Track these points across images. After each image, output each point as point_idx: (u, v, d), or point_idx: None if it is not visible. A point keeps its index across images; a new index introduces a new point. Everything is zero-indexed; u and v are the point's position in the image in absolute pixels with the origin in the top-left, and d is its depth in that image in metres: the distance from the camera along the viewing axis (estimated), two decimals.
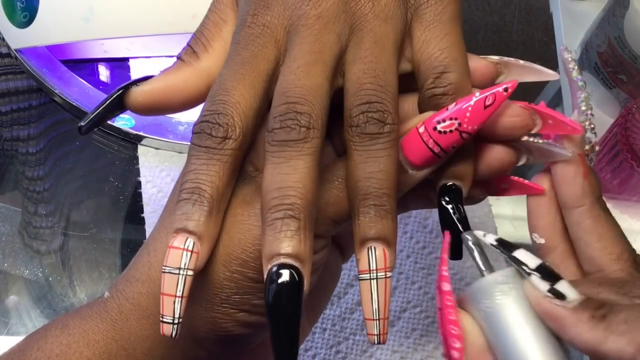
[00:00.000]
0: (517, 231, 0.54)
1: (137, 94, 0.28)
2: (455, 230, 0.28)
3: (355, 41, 0.27)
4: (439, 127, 0.26)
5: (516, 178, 0.31)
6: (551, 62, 0.64)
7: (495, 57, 0.30)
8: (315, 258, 0.27)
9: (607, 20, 0.56)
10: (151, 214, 0.51)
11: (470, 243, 0.27)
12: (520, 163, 0.30)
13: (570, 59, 0.31)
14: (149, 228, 0.50)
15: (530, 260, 0.25)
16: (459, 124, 0.26)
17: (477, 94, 0.26)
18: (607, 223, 0.29)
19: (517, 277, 0.25)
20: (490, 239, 0.26)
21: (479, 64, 0.29)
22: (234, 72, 0.26)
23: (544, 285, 0.24)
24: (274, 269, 0.23)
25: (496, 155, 0.28)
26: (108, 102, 0.28)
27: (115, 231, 0.51)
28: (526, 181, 0.31)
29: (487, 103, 0.26)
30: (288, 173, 0.24)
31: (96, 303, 0.30)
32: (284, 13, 0.27)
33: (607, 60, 0.56)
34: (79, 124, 0.28)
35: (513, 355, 0.24)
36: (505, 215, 0.55)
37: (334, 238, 0.33)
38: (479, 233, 0.27)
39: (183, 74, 0.28)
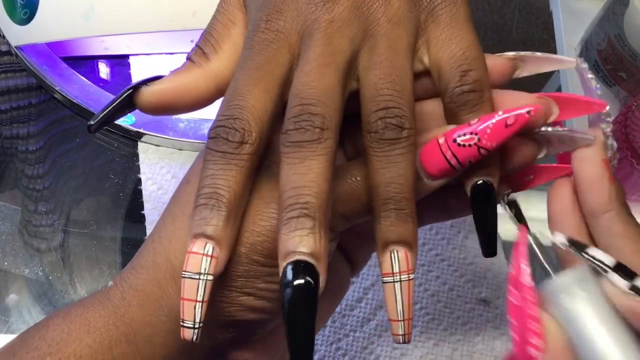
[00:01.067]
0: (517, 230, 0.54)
1: (147, 94, 0.28)
2: (490, 228, 0.28)
3: (370, 46, 0.27)
4: (458, 139, 0.27)
5: (541, 165, 0.30)
6: None
7: (511, 53, 0.30)
8: None
9: (607, 18, 0.56)
10: (151, 211, 0.51)
11: (533, 244, 0.27)
12: (541, 156, 0.30)
13: (587, 69, 0.30)
14: (149, 225, 0.50)
15: (607, 259, 0.25)
16: (479, 139, 0.26)
17: (500, 112, 0.26)
18: (637, 226, 0.29)
19: (592, 275, 0.25)
20: (560, 239, 0.26)
21: (496, 62, 0.29)
22: (248, 76, 0.26)
23: (624, 283, 0.24)
24: (290, 266, 0.24)
25: (517, 149, 0.29)
26: (118, 101, 0.28)
27: (116, 228, 0.51)
28: (552, 164, 0.30)
29: (509, 123, 0.26)
30: (303, 173, 0.24)
31: (99, 292, 0.30)
32: (297, 18, 0.27)
33: (607, 58, 0.56)
34: (88, 123, 0.28)
35: (595, 354, 0.24)
36: (505, 214, 0.55)
37: (345, 250, 0.33)
38: (545, 232, 0.27)
39: (193, 75, 0.28)
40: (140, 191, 0.51)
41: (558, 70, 0.63)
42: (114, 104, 0.28)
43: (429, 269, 0.50)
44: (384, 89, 0.26)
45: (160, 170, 0.52)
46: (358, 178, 0.27)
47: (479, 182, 0.28)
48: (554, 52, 0.64)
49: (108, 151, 0.54)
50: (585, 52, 0.60)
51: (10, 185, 0.53)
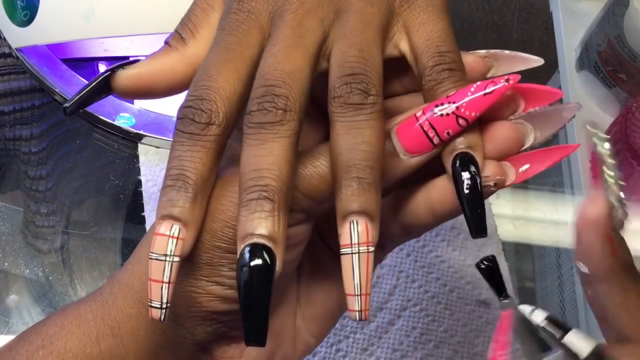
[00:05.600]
0: (517, 230, 0.55)
1: (123, 77, 0.28)
2: (475, 202, 0.26)
3: (340, 22, 0.27)
4: (436, 109, 0.26)
5: (535, 150, 0.28)
6: (551, 61, 0.64)
7: (482, 52, 0.30)
8: (291, 232, 0.27)
9: (607, 19, 0.56)
10: (151, 213, 0.51)
11: (518, 323, 0.25)
12: (530, 141, 0.28)
13: (604, 154, 0.29)
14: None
15: (584, 345, 0.24)
16: (457, 108, 0.26)
17: (478, 82, 0.26)
18: (637, 296, 0.28)
19: None
20: (538, 318, 0.25)
21: (469, 59, 0.29)
22: (218, 57, 0.26)
23: None
24: (247, 249, 0.24)
25: (501, 132, 0.27)
26: (94, 84, 0.28)
27: (116, 230, 0.51)
28: (546, 148, 0.28)
29: (487, 90, 0.26)
30: (263, 155, 0.24)
31: (95, 290, 0.30)
32: None
33: (607, 59, 0.56)
34: (63, 105, 0.28)
35: None
36: (505, 215, 0.55)
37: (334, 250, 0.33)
38: (525, 309, 0.25)
39: (170, 60, 0.28)
40: (141, 193, 0.52)
41: (558, 70, 0.63)
42: (89, 87, 0.28)
43: (429, 271, 0.50)
44: (352, 56, 0.26)
45: (161, 172, 0.52)
46: (321, 156, 0.26)
47: (458, 154, 0.26)
48: (554, 53, 0.64)
49: (108, 153, 0.54)
50: (585, 53, 0.60)
51: (11, 186, 0.53)
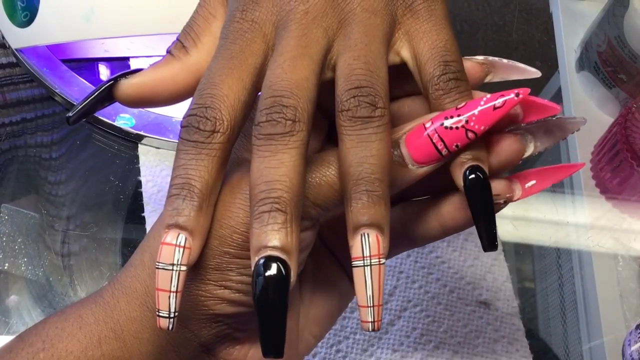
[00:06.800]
0: (517, 231, 0.55)
1: (126, 86, 0.28)
2: (489, 215, 0.27)
3: (345, 33, 0.27)
4: (445, 122, 0.26)
5: (542, 167, 0.29)
6: (551, 61, 0.64)
7: (480, 57, 0.30)
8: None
9: (607, 19, 0.56)
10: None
11: None
12: (530, 151, 0.29)
13: None
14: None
15: None
16: (466, 122, 0.26)
17: (488, 95, 0.26)
18: None
19: None
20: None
21: (465, 64, 0.29)
22: (222, 66, 0.27)
23: None
24: (261, 261, 0.24)
25: (502, 143, 0.28)
26: (97, 93, 0.29)
27: (116, 230, 0.51)
28: (554, 165, 0.29)
29: (497, 105, 0.26)
30: (275, 167, 0.24)
31: (95, 291, 0.30)
32: (273, 9, 0.28)
33: (607, 59, 0.56)
34: (67, 115, 0.29)
35: None
36: (505, 215, 0.55)
37: (343, 264, 0.33)
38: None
39: (172, 69, 0.29)
40: (141, 193, 0.52)
41: (558, 71, 0.63)
42: (93, 96, 0.28)
43: (429, 271, 0.50)
44: (358, 69, 0.26)
45: (161, 173, 0.52)
46: (330, 166, 0.27)
47: (470, 167, 0.27)
48: (554, 53, 0.64)
49: (108, 153, 0.54)
50: (585, 53, 0.60)
51: (11, 187, 0.53)
